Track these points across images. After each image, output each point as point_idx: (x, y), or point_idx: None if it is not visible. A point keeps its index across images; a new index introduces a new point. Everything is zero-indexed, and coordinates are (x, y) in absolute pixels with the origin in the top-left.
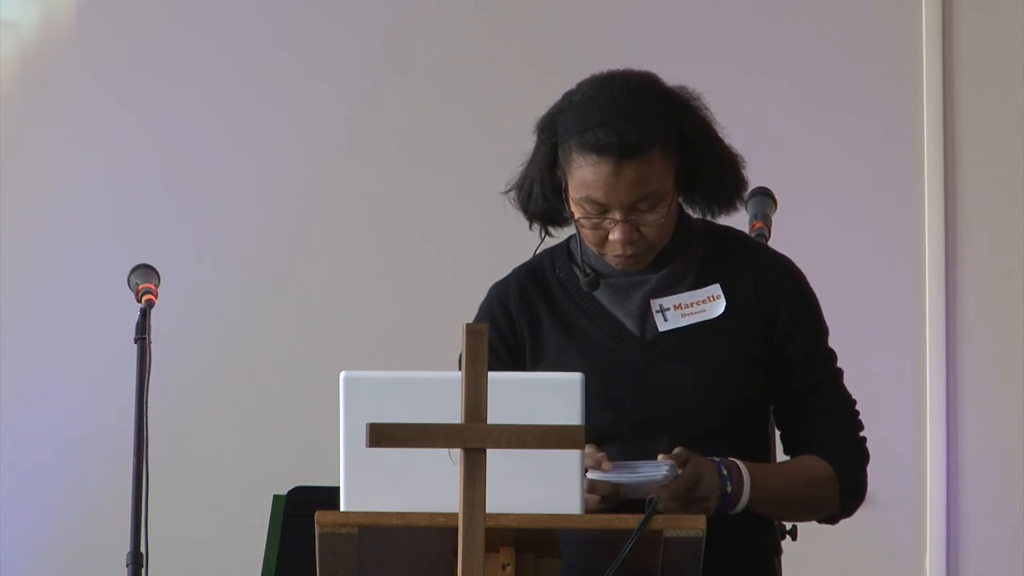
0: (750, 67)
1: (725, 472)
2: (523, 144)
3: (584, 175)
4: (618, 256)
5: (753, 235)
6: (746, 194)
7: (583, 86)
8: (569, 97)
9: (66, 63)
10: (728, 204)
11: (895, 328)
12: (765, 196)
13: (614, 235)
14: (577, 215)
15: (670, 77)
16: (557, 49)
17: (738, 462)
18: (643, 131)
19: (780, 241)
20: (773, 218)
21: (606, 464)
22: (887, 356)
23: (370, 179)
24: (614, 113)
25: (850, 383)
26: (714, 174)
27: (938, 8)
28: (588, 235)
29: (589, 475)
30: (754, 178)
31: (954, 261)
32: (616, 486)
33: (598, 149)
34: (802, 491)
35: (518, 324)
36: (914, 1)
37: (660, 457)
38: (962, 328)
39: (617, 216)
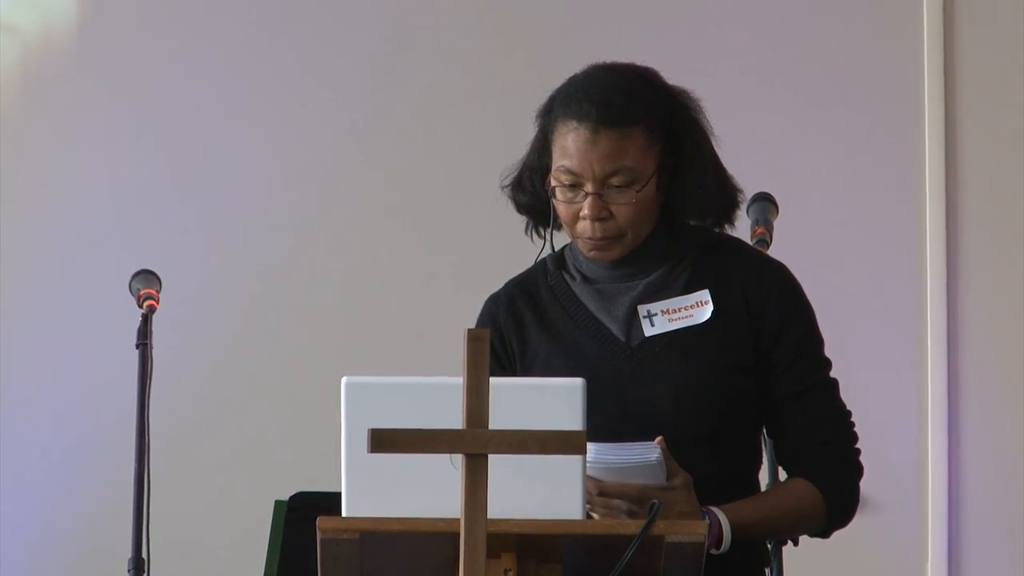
0: (751, 69)
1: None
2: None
3: (563, 143)
4: (589, 239)
5: (754, 240)
6: (735, 213)
7: (586, 69)
8: (570, 79)
9: (68, 67)
10: (711, 213)
11: (896, 333)
12: (766, 201)
13: (584, 211)
14: (553, 184)
15: (670, 78)
16: (561, 52)
17: (716, 511)
18: (627, 106)
19: (781, 245)
20: (775, 223)
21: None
22: (888, 361)
23: (373, 184)
24: (603, 87)
25: (851, 388)
26: (697, 175)
27: (939, 9)
28: (562, 211)
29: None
30: (755, 181)
31: (955, 265)
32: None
33: (579, 116)
34: (785, 521)
35: (507, 336)
36: (915, 2)
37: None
38: (963, 333)
39: (588, 188)
